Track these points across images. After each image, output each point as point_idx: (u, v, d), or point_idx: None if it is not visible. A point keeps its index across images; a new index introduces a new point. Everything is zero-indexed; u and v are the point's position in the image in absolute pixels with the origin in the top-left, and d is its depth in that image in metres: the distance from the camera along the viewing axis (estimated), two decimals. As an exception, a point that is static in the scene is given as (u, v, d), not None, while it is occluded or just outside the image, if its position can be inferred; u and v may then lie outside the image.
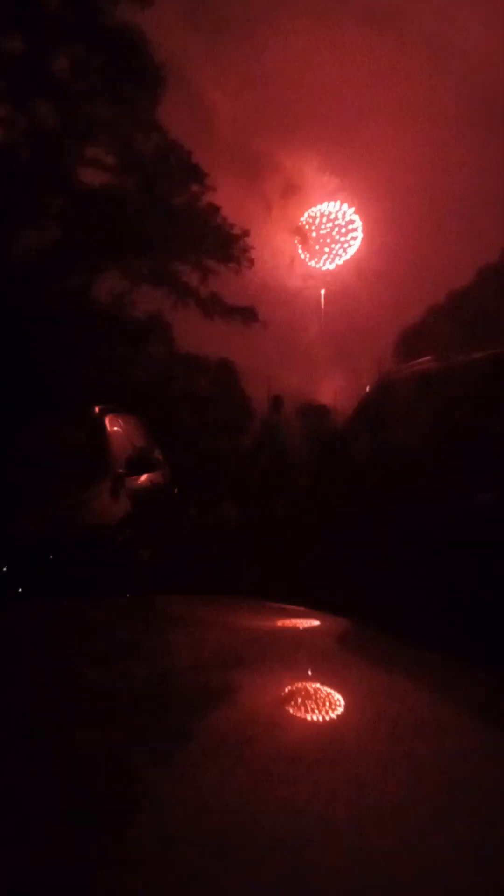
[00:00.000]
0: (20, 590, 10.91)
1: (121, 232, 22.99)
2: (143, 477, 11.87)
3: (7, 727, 2.20)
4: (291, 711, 2.47)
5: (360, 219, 32.01)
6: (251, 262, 27.74)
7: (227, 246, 26.66)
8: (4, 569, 8.99)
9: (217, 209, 26.16)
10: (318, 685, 2.93)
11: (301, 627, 4.25)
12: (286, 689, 2.57)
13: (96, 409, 12.19)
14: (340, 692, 2.81)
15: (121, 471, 10.78)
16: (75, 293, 22.10)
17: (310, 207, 32.75)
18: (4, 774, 1.94)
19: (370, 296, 31.74)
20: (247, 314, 27.70)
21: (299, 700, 2.70)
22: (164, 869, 1.55)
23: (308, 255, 32.83)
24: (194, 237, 25.57)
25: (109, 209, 23.08)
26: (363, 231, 32.41)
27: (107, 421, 11.86)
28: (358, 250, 32.81)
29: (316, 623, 4.32)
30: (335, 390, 30.34)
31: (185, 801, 1.80)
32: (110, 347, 21.81)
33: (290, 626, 4.36)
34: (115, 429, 12.12)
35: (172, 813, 1.79)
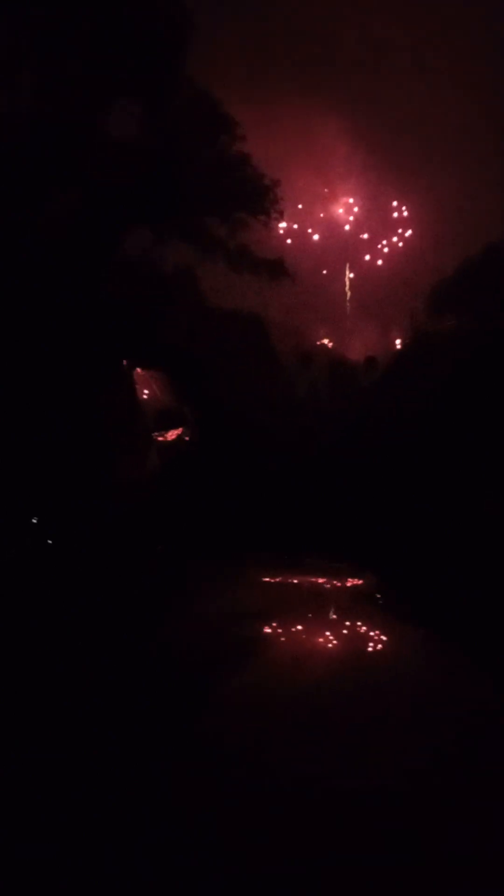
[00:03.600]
0: (49, 541, 10.97)
1: (149, 186, 22.54)
2: (173, 433, 11.81)
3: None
4: (323, 656, 2.46)
5: (390, 166, 31.05)
6: (281, 213, 27.06)
7: (257, 197, 26.02)
8: (34, 520, 9.06)
9: (247, 159, 25.46)
10: (348, 631, 2.94)
11: (324, 583, 4.26)
12: (318, 637, 2.55)
13: (124, 363, 12.12)
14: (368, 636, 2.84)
15: (150, 427, 10.73)
16: (104, 249, 21.83)
17: (338, 155, 31.77)
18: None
19: (403, 246, 30.84)
20: (275, 267, 27.15)
21: (332, 644, 2.71)
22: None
23: (336, 206, 31.98)
24: (223, 189, 24.98)
25: (137, 162, 22.62)
26: (394, 179, 31.42)
27: (136, 376, 11.79)
28: (389, 199, 31.83)
29: (336, 578, 4.39)
30: (366, 345, 29.78)
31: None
32: (139, 303, 21.59)
33: (316, 580, 4.40)
34: (144, 384, 12.05)
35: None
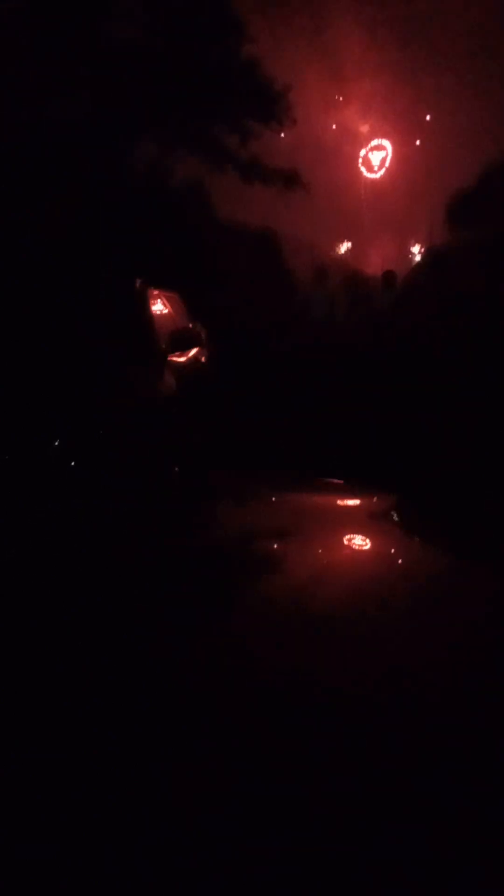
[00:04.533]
0: (73, 463, 11.04)
1: (153, 92, 21.60)
2: (188, 354, 11.61)
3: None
4: (331, 573, 2.47)
5: (408, 66, 29.41)
6: (294, 121, 25.95)
7: (268, 104, 24.92)
8: (57, 443, 8.98)
9: (256, 63, 24.26)
10: (355, 547, 2.99)
11: (339, 501, 4.31)
12: (327, 555, 2.59)
13: (137, 283, 11.81)
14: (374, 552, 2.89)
15: (165, 348, 10.54)
16: (108, 162, 21.11)
17: (353, 57, 30.14)
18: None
19: (419, 153, 29.59)
20: (289, 178, 26.21)
21: (339, 561, 2.74)
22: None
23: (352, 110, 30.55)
24: (232, 94, 23.90)
25: (140, 67, 21.61)
26: (411, 82, 29.84)
27: (149, 296, 11.51)
28: (404, 103, 30.32)
29: (351, 496, 4.46)
30: (383, 259, 28.95)
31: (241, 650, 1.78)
32: (147, 218, 21.00)
33: (331, 498, 4.47)
34: (157, 304, 11.79)
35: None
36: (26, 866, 1.41)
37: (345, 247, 29.85)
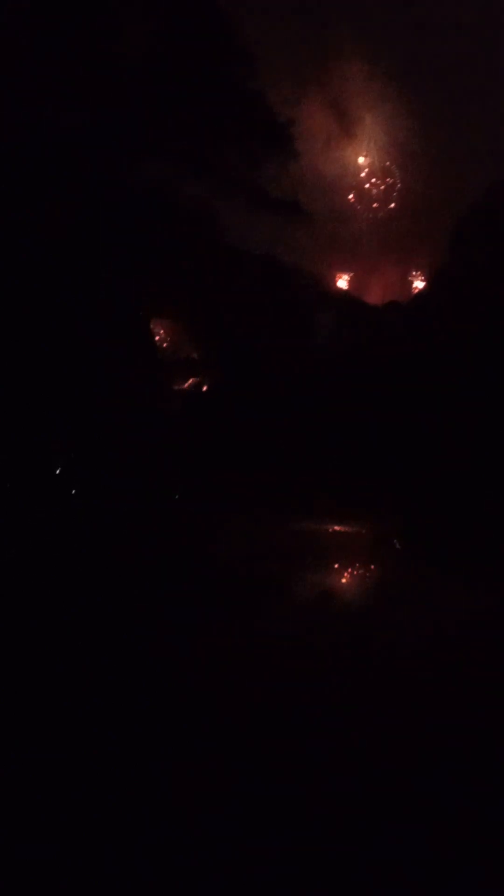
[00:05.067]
0: (73, 491, 11.01)
1: (161, 114, 21.85)
2: (191, 381, 11.68)
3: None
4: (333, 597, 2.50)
5: (405, 90, 29.68)
6: (296, 154, 26.28)
7: (272, 134, 25.31)
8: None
9: (262, 95, 24.63)
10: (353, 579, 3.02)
11: (351, 527, 4.31)
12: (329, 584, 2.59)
13: (141, 313, 11.92)
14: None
15: (169, 376, 10.63)
16: (114, 180, 21.21)
17: (349, 84, 30.48)
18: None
19: (420, 175, 29.67)
20: (291, 206, 26.47)
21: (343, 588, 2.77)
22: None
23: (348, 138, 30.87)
24: (238, 123, 24.24)
25: (149, 87, 21.85)
26: (408, 105, 30.06)
27: (153, 326, 11.62)
28: (404, 125, 30.50)
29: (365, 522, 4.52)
30: (385, 287, 29.06)
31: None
32: (151, 240, 21.06)
33: (341, 525, 4.52)
34: (161, 334, 11.88)
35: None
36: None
37: (345, 277, 30.01)
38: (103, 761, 1.71)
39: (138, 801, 1.57)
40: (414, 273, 28.64)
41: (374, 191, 30.55)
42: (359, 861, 1.27)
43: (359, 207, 30.46)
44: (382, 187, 30.35)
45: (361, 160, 30.38)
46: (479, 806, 1.50)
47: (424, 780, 1.58)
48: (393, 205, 30.27)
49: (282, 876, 1.24)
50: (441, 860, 1.30)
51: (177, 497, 12.23)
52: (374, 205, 30.36)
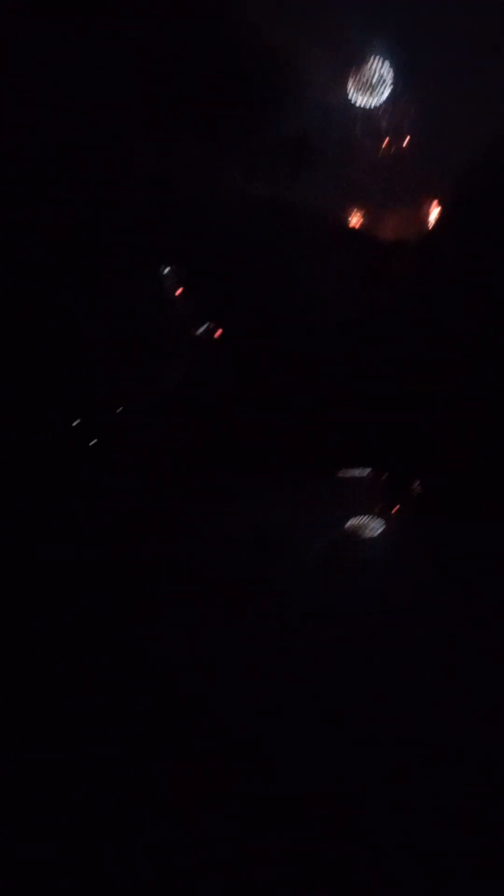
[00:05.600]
0: (93, 442, 11.02)
1: (153, 78, 21.26)
2: (201, 331, 11.65)
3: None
4: None
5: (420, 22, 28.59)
6: (303, 88, 25.43)
7: (272, 89, 24.62)
8: (75, 423, 8.98)
9: (263, 31, 23.79)
10: None
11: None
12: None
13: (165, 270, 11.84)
14: None
15: (181, 326, 10.61)
16: (114, 157, 20.79)
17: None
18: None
19: (429, 131, 28.93)
20: (298, 143, 25.72)
21: None
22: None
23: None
24: (233, 79, 23.55)
25: (145, 59, 21.30)
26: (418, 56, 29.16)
27: (165, 277, 11.57)
28: (418, 61, 29.47)
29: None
30: (396, 229, 28.34)
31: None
32: (155, 223, 20.63)
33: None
34: (172, 286, 11.83)
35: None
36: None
37: (357, 215, 29.26)
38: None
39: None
40: (426, 216, 28.04)
41: (385, 129, 29.78)
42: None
43: (369, 145, 29.72)
44: (392, 146, 29.65)
45: (375, 84, 29.57)
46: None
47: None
48: (405, 143, 29.54)
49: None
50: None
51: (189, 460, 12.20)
52: (385, 143, 29.64)
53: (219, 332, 15.04)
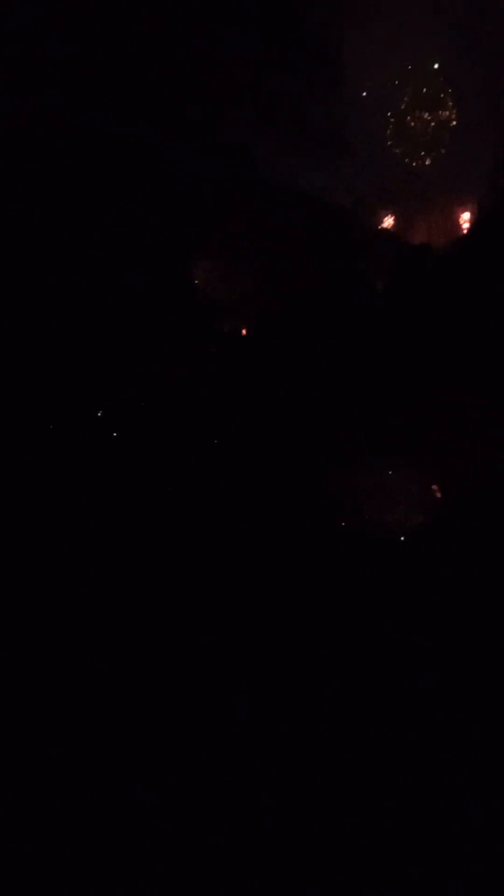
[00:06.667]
0: (115, 434, 11.08)
1: (201, 40, 20.87)
2: (232, 325, 11.54)
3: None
4: None
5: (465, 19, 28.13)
6: (342, 80, 25.01)
7: (315, 61, 24.08)
8: (100, 413, 9.03)
9: (303, 18, 23.41)
10: None
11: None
12: None
13: (184, 257, 11.74)
14: None
15: (210, 320, 10.52)
16: (138, 112, 20.49)
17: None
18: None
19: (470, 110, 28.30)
20: (332, 136, 25.31)
21: None
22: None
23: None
24: (278, 49, 23.03)
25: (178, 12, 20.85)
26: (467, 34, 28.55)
27: (196, 269, 11.46)
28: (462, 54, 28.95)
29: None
30: (430, 227, 28.05)
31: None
32: (185, 178, 20.37)
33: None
34: (205, 278, 11.72)
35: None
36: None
37: (389, 217, 28.95)
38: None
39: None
40: (465, 214, 27.55)
41: (426, 122, 29.23)
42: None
43: (406, 142, 29.22)
44: (436, 120, 29.01)
45: (412, 91, 29.01)
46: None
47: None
48: (447, 138, 28.94)
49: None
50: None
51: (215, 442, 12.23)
52: (425, 139, 29.09)
53: (243, 330, 14.95)
